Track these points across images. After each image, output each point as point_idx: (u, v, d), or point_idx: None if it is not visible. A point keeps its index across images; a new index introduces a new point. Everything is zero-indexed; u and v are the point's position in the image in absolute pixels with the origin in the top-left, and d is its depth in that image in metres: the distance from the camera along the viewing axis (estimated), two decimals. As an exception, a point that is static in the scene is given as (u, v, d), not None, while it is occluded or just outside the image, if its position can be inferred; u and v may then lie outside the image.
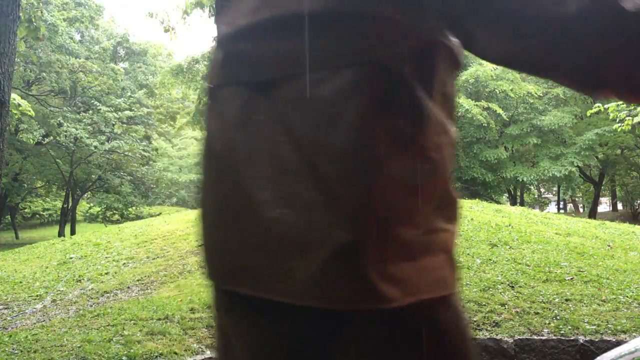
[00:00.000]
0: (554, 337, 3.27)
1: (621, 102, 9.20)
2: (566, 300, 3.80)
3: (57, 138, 18.48)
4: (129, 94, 22.05)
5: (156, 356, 3.00)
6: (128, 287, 4.70)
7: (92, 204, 24.80)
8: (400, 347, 0.72)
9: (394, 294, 0.67)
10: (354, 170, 0.67)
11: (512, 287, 4.09)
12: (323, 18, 0.69)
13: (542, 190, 30.51)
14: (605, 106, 8.59)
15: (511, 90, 15.85)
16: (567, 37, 0.66)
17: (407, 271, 0.69)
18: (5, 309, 4.41)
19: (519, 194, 23.21)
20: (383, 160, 0.68)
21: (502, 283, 4.13)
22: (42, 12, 5.90)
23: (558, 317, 3.50)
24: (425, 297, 0.71)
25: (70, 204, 20.65)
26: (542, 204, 30.29)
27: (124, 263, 5.60)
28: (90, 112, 19.41)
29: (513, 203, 20.03)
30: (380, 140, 0.68)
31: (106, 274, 5.25)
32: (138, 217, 20.98)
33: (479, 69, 15.71)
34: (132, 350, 3.03)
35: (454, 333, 0.76)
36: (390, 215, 0.69)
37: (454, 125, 0.79)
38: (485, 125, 15.78)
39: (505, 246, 5.27)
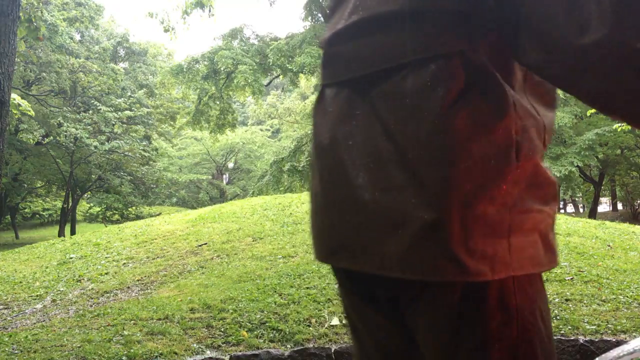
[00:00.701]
0: (554, 337, 3.26)
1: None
2: (566, 300, 3.80)
3: (57, 138, 18.46)
4: (129, 94, 22.04)
5: (156, 356, 3.00)
6: (128, 287, 4.70)
7: (92, 204, 24.77)
8: (469, 318, 0.78)
9: (481, 268, 0.73)
10: (437, 154, 0.74)
11: (512, 287, 4.08)
12: (406, 16, 0.77)
13: (542, 190, 30.47)
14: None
15: (511, 90, 15.84)
16: (583, 63, 0.70)
17: (495, 248, 0.75)
18: (5, 309, 4.41)
19: (519, 194, 23.18)
20: (465, 144, 0.74)
21: (502, 283, 4.12)
22: (42, 12, 5.90)
23: (558, 317, 3.49)
24: (515, 273, 0.76)
25: (70, 204, 20.63)
26: (542, 204, 30.24)
27: (124, 263, 5.60)
28: (90, 112, 19.39)
29: (513, 203, 20.00)
30: (462, 125, 0.74)
31: (106, 274, 5.25)
32: (138, 217, 20.97)
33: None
34: (132, 350, 3.03)
35: (525, 312, 0.79)
36: (474, 195, 0.74)
37: (551, 110, 0.85)
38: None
39: (505, 246, 5.26)
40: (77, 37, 21.16)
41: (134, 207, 23.74)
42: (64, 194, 21.13)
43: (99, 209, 24.17)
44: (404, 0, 0.77)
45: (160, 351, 3.04)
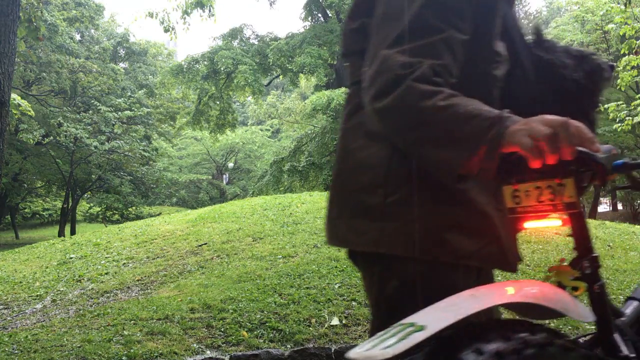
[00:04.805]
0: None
1: (621, 102, 9.18)
2: (566, 300, 3.80)
3: (57, 138, 18.44)
4: (129, 94, 22.03)
5: (156, 356, 3.00)
6: (128, 287, 4.70)
7: (92, 204, 24.75)
8: (372, 280, 1.08)
9: (348, 238, 1.08)
10: (344, 153, 1.12)
11: (512, 287, 4.08)
12: (346, 57, 1.19)
13: (542, 190, 30.41)
14: (605, 106, 8.58)
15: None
16: (386, 118, 0.97)
17: (367, 227, 1.02)
18: (5, 309, 4.41)
19: (519, 194, 23.14)
20: (354, 150, 1.08)
21: (502, 283, 4.12)
22: (42, 12, 5.90)
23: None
24: (384, 251, 1.01)
25: (70, 204, 20.62)
26: (542, 204, 30.17)
27: (124, 263, 5.60)
28: (90, 112, 19.38)
29: (513, 203, 19.96)
30: (350, 135, 1.11)
31: (106, 274, 5.25)
32: (138, 217, 20.97)
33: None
34: (132, 350, 3.03)
35: (419, 286, 1.00)
36: (358, 186, 1.05)
37: None
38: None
39: (506, 246, 5.25)
40: (77, 37, 21.15)
41: (134, 207, 23.72)
42: (64, 194, 21.12)
43: (99, 209, 24.15)
44: (344, 45, 1.19)
45: (160, 351, 3.04)
